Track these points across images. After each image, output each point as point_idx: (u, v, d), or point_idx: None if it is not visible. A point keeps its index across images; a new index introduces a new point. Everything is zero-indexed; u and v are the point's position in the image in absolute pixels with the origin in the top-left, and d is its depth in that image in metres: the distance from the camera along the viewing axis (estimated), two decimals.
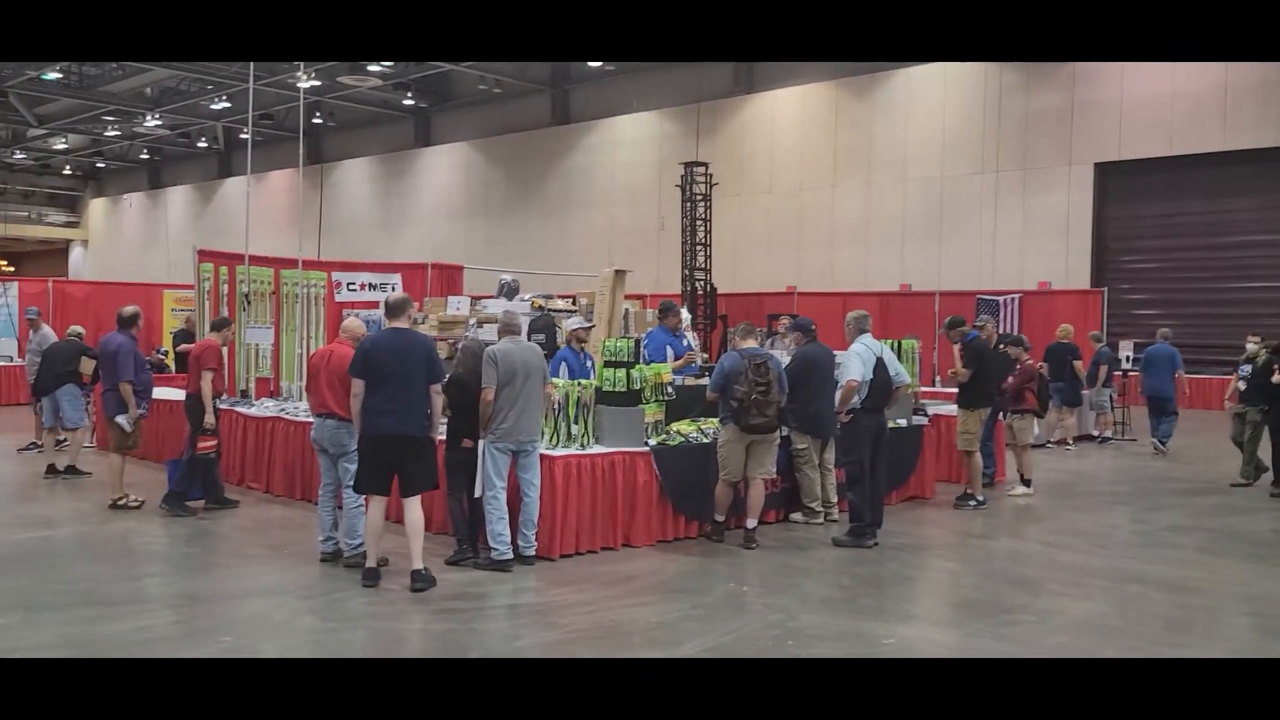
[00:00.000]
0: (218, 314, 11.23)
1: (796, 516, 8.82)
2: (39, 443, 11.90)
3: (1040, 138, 20.41)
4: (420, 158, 27.46)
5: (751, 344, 8.21)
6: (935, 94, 20.70)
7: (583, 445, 7.84)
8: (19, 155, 36.12)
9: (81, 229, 41.65)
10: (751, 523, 8.03)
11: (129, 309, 9.45)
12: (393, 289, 12.89)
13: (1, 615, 5.84)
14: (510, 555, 7.12)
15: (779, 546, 8.01)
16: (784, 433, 8.48)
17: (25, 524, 8.35)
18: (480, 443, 7.17)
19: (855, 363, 8.07)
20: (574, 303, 12.14)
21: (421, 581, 6.57)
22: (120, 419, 9.00)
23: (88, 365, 10.72)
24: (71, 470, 10.56)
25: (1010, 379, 10.17)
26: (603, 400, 8.03)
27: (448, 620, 6.06)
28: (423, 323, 11.61)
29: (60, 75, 24.59)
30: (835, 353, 8.80)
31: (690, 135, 22.20)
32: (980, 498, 9.61)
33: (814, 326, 9.12)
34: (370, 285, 13.08)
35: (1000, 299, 18.57)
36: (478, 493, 7.18)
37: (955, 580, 7.50)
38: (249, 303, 11.44)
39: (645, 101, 22.94)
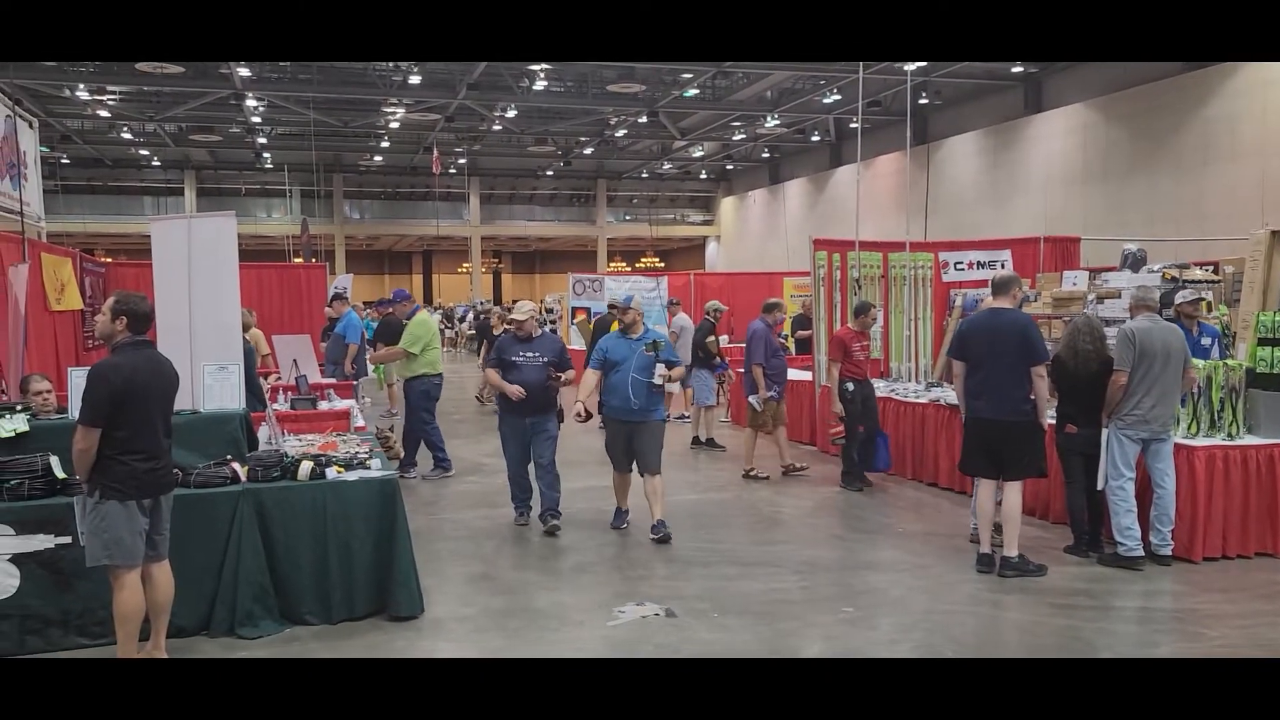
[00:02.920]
0: (831, 299, 11.87)
1: None
2: (687, 414, 13.66)
3: None
4: (1030, 125, 26.16)
5: None
6: None
7: (1230, 435, 6.89)
8: (666, 166, 41.84)
9: (715, 226, 46.89)
10: None
11: (772, 300, 10.49)
12: (1001, 266, 12.50)
13: (662, 566, 6.82)
14: (1140, 552, 6.53)
15: None
16: None
17: (678, 488, 9.61)
18: (1105, 430, 6.66)
19: None
20: (1215, 271, 10.66)
21: (1010, 569, 6.38)
22: (751, 399, 9.99)
23: (711, 345, 12.06)
24: (710, 442, 11.97)
25: None
26: (1257, 384, 6.96)
27: (1069, 616, 5.72)
28: (1034, 300, 11.08)
29: (698, 91, 27.85)
30: None
31: None
32: None
33: None
34: (978, 264, 12.82)
35: None
36: (1100, 484, 6.68)
37: None
38: (859, 287, 11.91)
39: None
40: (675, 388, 12.60)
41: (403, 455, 10.05)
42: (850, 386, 9.27)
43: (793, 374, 12.53)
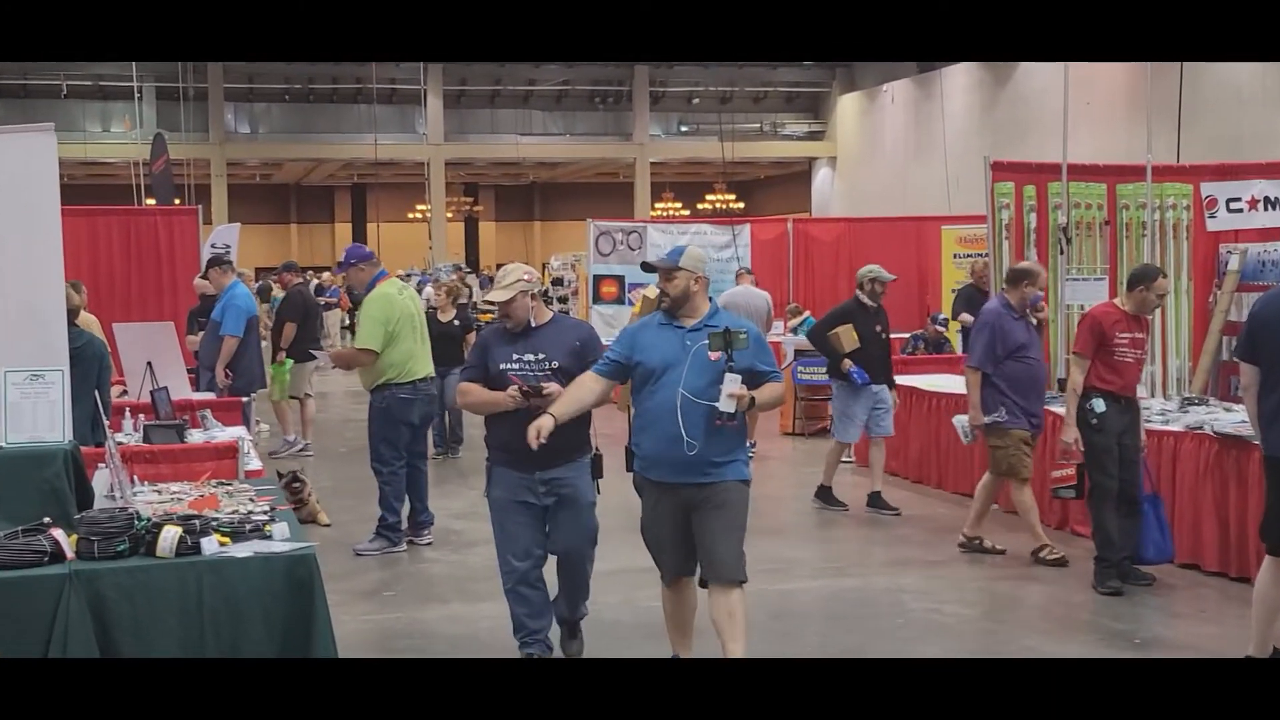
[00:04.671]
0: (1021, 256, 11.75)
1: None
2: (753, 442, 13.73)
3: None
4: None
5: None
6: None
7: None
8: None
9: (827, 141, 46.61)
10: None
11: (1022, 264, 10.26)
12: None
13: None
14: None
15: None
16: None
17: (773, 570, 9.51)
18: None
19: None
20: None
21: None
22: (955, 421, 9.86)
23: (837, 337, 11.67)
24: (825, 493, 11.79)
25: None
26: None
27: None
28: None
29: None
30: None
31: None
32: None
33: None
34: (1267, 201, 12.70)
35: None
36: None
37: None
38: (1068, 241, 11.80)
39: None
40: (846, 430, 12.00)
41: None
42: (1100, 406, 8.66)
43: (921, 380, 12.38)
